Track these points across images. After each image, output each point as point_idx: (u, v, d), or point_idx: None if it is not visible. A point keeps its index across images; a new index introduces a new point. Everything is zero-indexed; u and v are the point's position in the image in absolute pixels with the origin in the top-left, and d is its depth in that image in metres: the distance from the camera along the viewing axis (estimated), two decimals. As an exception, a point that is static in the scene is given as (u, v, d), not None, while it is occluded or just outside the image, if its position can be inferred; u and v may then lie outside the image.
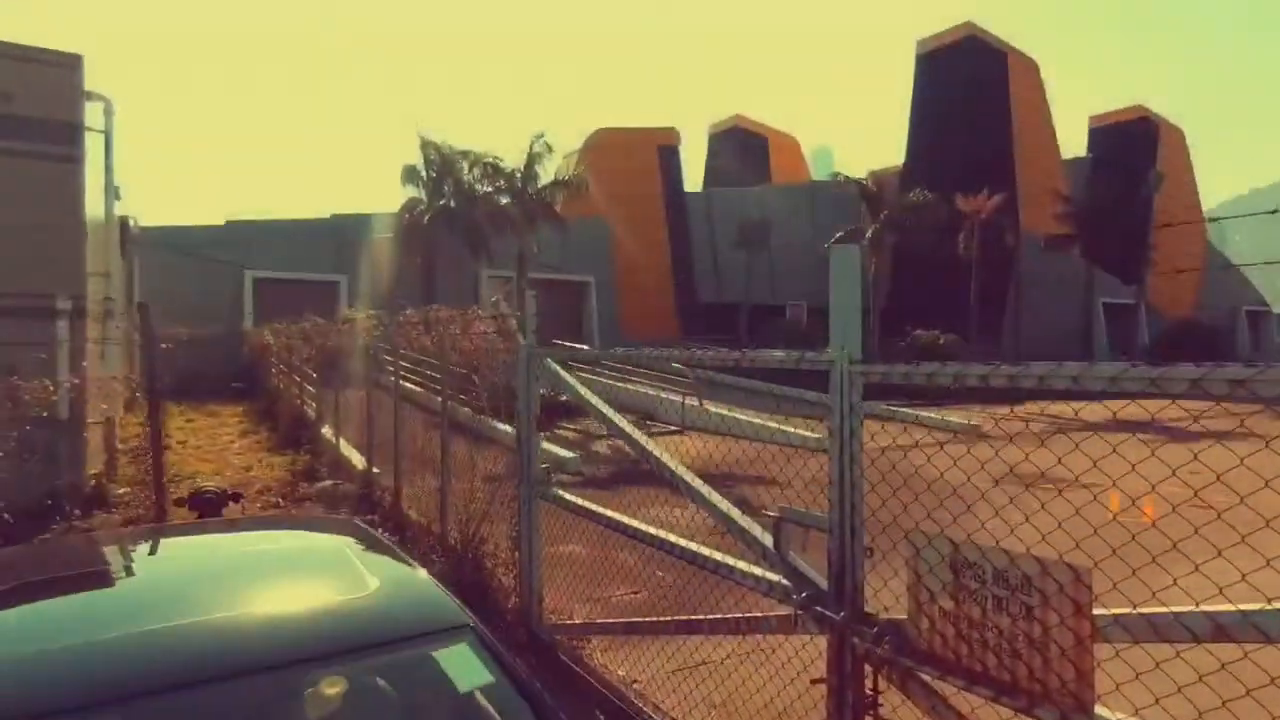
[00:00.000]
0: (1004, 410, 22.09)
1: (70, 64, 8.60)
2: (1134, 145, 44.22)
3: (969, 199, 29.68)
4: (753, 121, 52.16)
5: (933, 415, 17.37)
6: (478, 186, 20.76)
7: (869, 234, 25.10)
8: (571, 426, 16.25)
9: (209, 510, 6.49)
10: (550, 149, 19.33)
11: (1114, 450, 2.33)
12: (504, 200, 19.47)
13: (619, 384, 20.07)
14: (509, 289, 27.66)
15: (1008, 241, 30.82)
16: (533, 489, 4.85)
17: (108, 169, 9.56)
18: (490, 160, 21.65)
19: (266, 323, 24.54)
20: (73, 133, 8.59)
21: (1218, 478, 2.06)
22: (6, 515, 6.74)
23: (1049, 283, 37.06)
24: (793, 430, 14.40)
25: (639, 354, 11.20)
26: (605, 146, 31.45)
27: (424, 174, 24.55)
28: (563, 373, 4.47)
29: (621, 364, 26.16)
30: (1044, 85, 39.77)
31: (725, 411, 16.32)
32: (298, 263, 25.38)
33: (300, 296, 25.69)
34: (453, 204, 21.12)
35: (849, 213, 38.84)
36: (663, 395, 18.12)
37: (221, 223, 26.51)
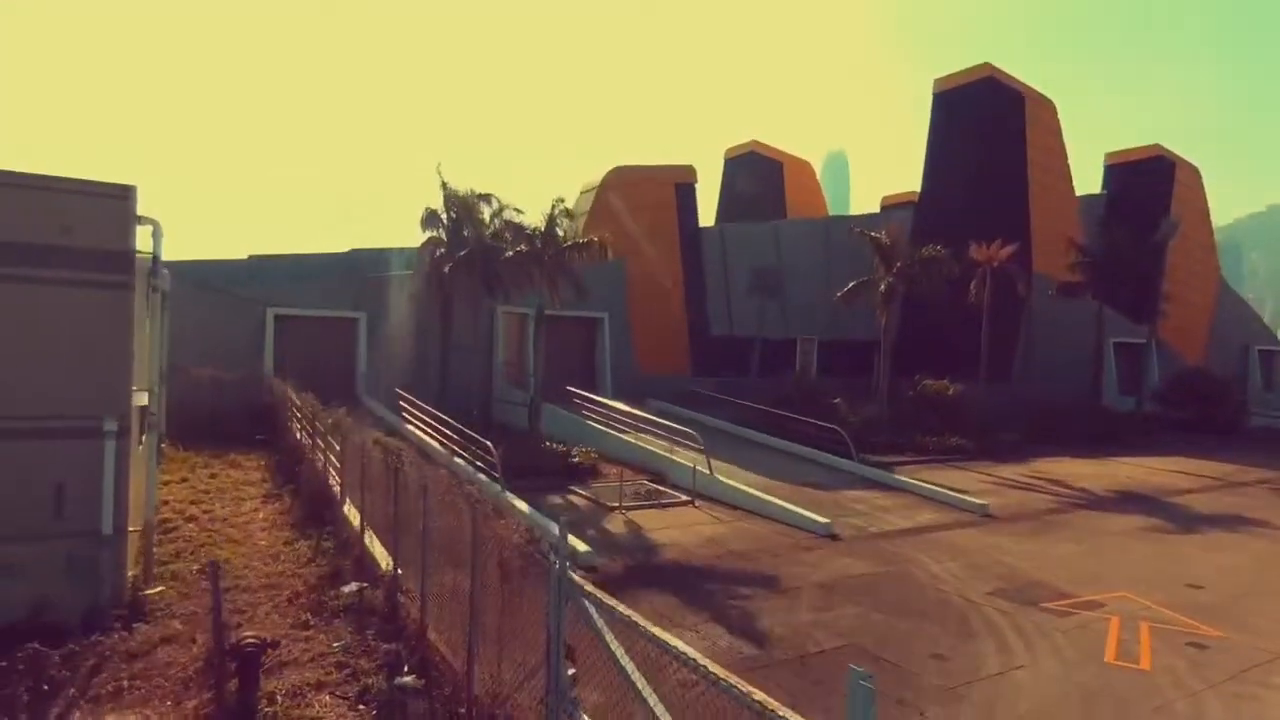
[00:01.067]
0: (1011, 468, 22.50)
1: (124, 195, 9.05)
2: (1149, 184, 44.30)
3: (982, 247, 29.89)
4: (768, 147, 52.44)
5: (943, 489, 17.56)
6: (497, 240, 21.14)
7: (882, 287, 25.35)
8: (584, 492, 16.62)
9: (250, 662, 6.93)
10: (570, 215, 19.65)
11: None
12: (523, 252, 19.80)
13: (632, 440, 20.41)
14: (524, 327, 28.12)
15: (1019, 288, 30.98)
16: (562, 700, 5.18)
17: (155, 288, 9.99)
18: (510, 217, 22.04)
19: (287, 360, 25.19)
20: (125, 261, 9.04)
21: None
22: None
23: (1059, 321, 37.21)
24: (800, 511, 14.73)
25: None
26: (623, 184, 31.84)
27: (444, 217, 24.98)
28: (600, 624, 4.74)
29: (634, 406, 26.63)
30: (1060, 127, 39.89)
31: (735, 484, 16.63)
32: (317, 299, 25.86)
33: (320, 332, 26.30)
34: (472, 252, 21.48)
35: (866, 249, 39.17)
36: (675, 459, 18.42)
37: (245, 257, 27.06)
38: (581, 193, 32.84)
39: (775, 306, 35.49)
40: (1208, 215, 47.38)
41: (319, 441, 15.33)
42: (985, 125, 38.14)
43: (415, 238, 25.60)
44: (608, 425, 21.89)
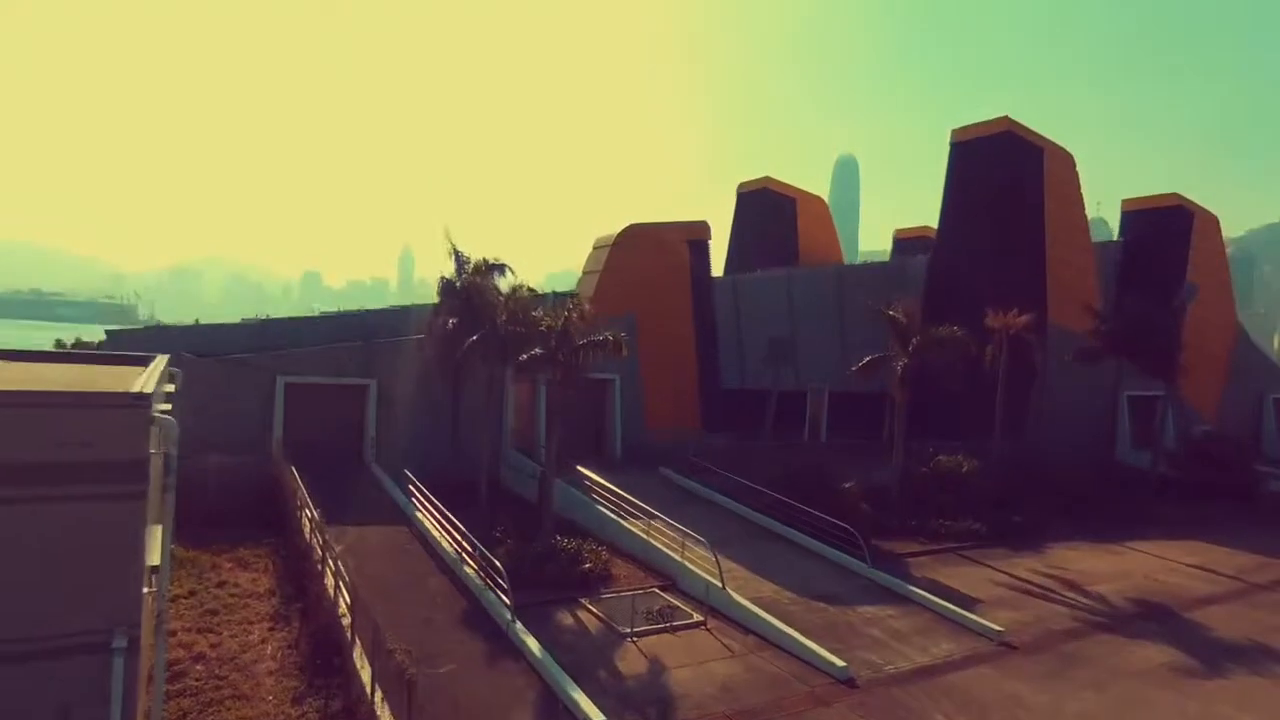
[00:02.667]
0: (1026, 562, 22.17)
1: (138, 404, 8.84)
2: (1167, 233, 43.85)
3: (999, 315, 29.60)
4: (781, 183, 52.15)
5: (959, 610, 17.21)
6: (511, 322, 20.93)
7: (899, 369, 25.06)
8: (595, 610, 16.36)
9: None
10: (585, 314, 19.41)
11: None
12: (538, 355, 19.60)
13: (642, 535, 20.16)
14: (535, 391, 27.92)
15: (1036, 358, 30.70)
16: None
17: (167, 487, 9.79)
18: (523, 298, 21.81)
19: (296, 429, 25.04)
20: (138, 470, 8.83)
21: None
22: None
23: (1073, 377, 36.85)
24: (816, 649, 14.46)
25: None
26: (637, 241, 31.56)
27: (457, 283, 24.81)
28: None
29: (644, 474, 26.39)
30: (1078, 178, 39.50)
31: (748, 604, 16.36)
32: (328, 365, 25.71)
33: (329, 399, 26.14)
34: (486, 337, 21.28)
35: (875, 293, 38.80)
36: (687, 564, 18.18)
37: (257, 320, 26.95)
38: (595, 248, 32.60)
39: (788, 363, 35.34)
40: (1226, 263, 46.95)
41: (329, 561, 15.15)
42: (1003, 177, 37.77)
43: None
44: (618, 513, 21.66)
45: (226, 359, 24.15)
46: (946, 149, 39.57)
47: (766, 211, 52.02)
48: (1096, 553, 24.13)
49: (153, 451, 9.30)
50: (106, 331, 25.17)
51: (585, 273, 32.51)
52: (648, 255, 31.62)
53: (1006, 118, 37.48)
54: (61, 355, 16.97)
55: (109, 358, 17.44)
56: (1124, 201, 46.60)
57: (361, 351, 26.18)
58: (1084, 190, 39.95)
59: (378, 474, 24.24)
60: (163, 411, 9.68)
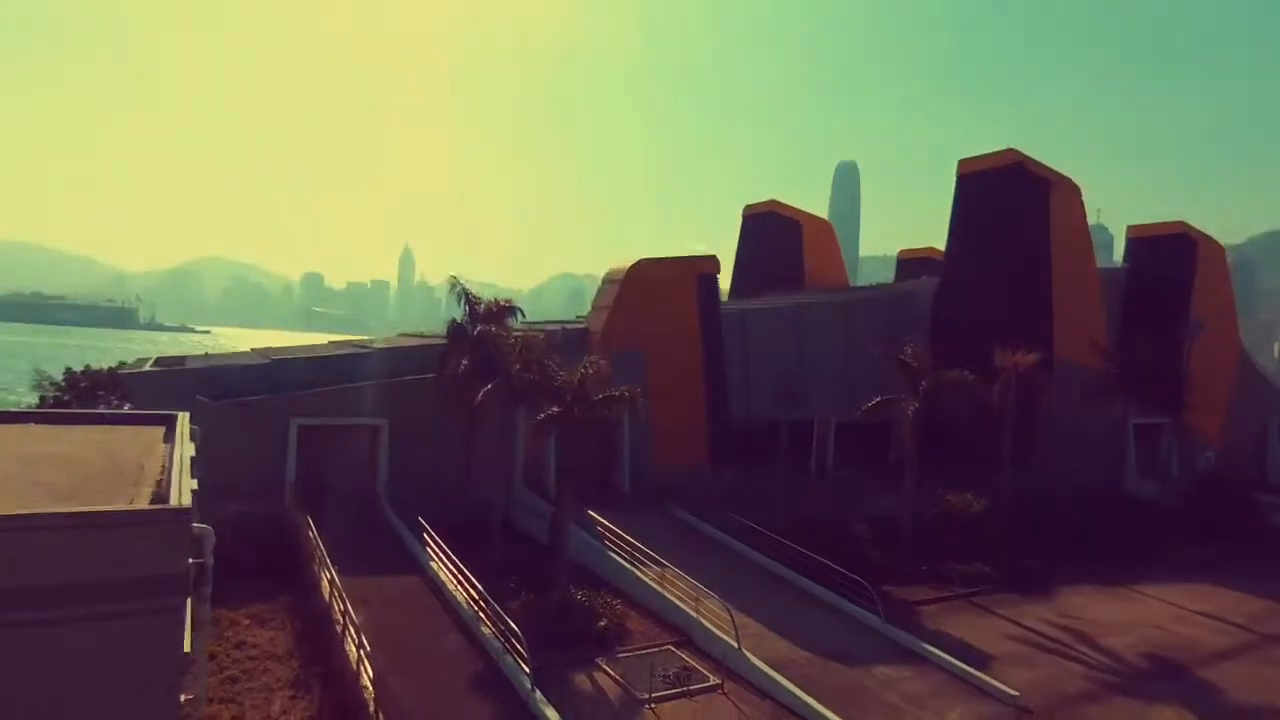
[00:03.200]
0: (1037, 610, 22.26)
1: (179, 519, 8.93)
2: (1172, 261, 43.98)
3: (1007, 354, 29.74)
4: (787, 207, 52.38)
5: (973, 671, 17.28)
6: (524, 370, 21.08)
7: (910, 412, 25.17)
8: (612, 672, 16.44)
9: None
10: (601, 370, 19.50)
11: None
12: (555, 413, 19.72)
13: (656, 586, 20.25)
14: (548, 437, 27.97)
15: (1042, 387, 30.80)
16: None
17: (202, 598, 9.87)
18: (538, 349, 21.91)
19: (308, 471, 25.17)
20: (177, 584, 8.92)
21: None
22: None
23: (1080, 407, 36.93)
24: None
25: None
26: (646, 275, 31.69)
27: (469, 327, 24.93)
28: None
29: (654, 514, 26.47)
30: (1084, 209, 39.67)
31: (763, 666, 16.44)
32: (340, 405, 25.80)
33: (343, 440, 26.25)
34: (498, 386, 21.40)
35: (883, 323, 38.98)
36: (702, 620, 18.27)
37: (268, 360, 27.02)
38: (605, 283, 32.72)
39: (794, 379, 35.62)
40: (1230, 290, 47.01)
41: (350, 629, 15.22)
42: (1010, 209, 37.91)
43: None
44: (631, 561, 21.74)
45: (241, 403, 24.25)
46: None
47: (772, 234, 52.22)
48: (1106, 598, 24.22)
49: (191, 561, 9.41)
50: (124, 374, 25.27)
51: (595, 307, 32.64)
52: (657, 291, 31.74)
53: (1013, 150, 37.66)
54: (84, 417, 17.07)
55: (132, 418, 17.60)
56: (1129, 228, 46.80)
57: (373, 391, 26.27)
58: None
59: (390, 517, 24.32)
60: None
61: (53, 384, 37.98)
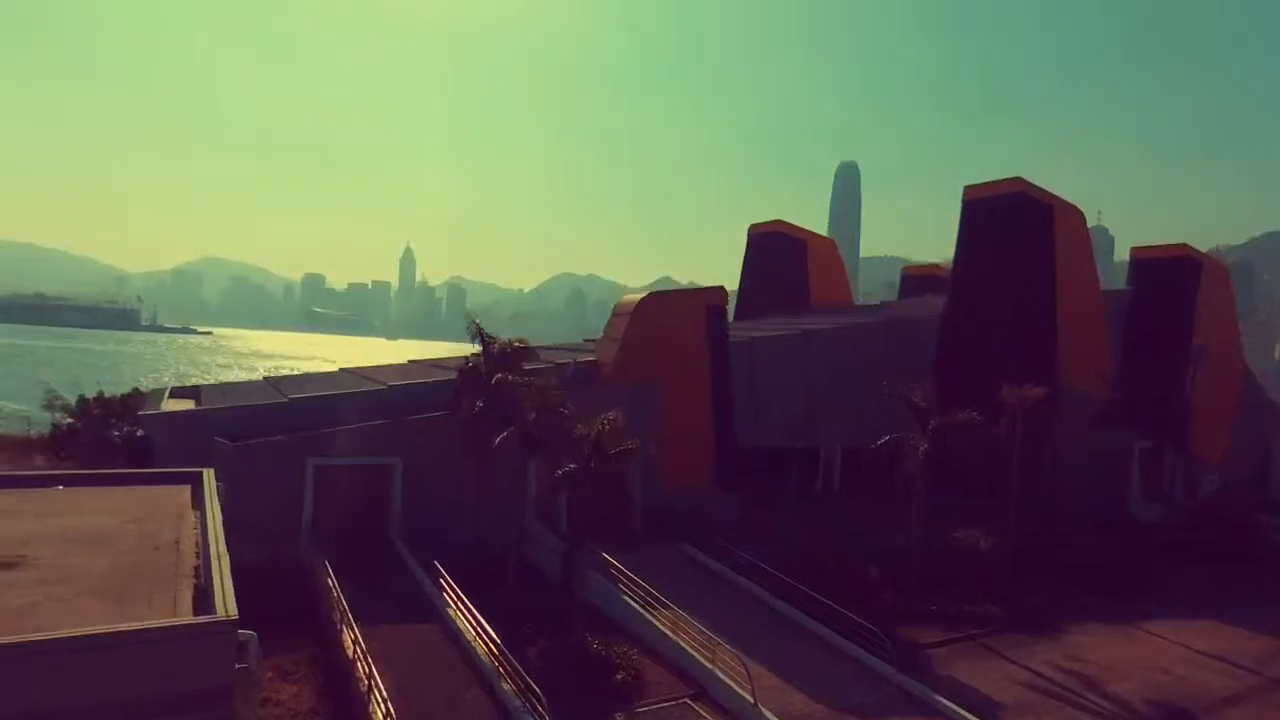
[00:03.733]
0: (1045, 652, 22.55)
1: (228, 633, 9.20)
2: (1175, 283, 44.23)
3: (1014, 390, 29.99)
4: (792, 226, 52.68)
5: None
6: (542, 425, 21.38)
7: (921, 452, 25.47)
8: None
9: None
10: (617, 426, 19.75)
11: None
12: (573, 470, 20.00)
13: (670, 634, 20.53)
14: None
15: (1048, 417, 31.12)
16: None
17: (250, 683, 10.14)
18: (553, 397, 22.21)
19: (323, 511, 25.48)
20: (224, 694, 9.20)
21: None
22: None
23: (1084, 432, 37.24)
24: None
25: None
26: (656, 310, 32.03)
27: (482, 371, 25.25)
28: None
29: (665, 549, 26.77)
30: (1089, 235, 39.98)
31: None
32: (356, 445, 26.08)
33: (357, 479, 26.54)
34: (513, 434, 21.70)
35: (889, 349, 39.29)
36: (717, 673, 18.56)
37: (285, 400, 27.32)
38: (615, 315, 33.02)
39: (799, 405, 36.11)
40: (1234, 312, 47.29)
41: (376, 695, 15.51)
42: (1015, 236, 38.18)
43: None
44: (644, 605, 22.02)
45: (259, 445, 24.54)
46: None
47: (777, 253, 52.56)
48: (1112, 637, 24.50)
49: (238, 666, 9.69)
50: (144, 416, 25.60)
51: (605, 338, 32.96)
52: (667, 324, 32.07)
53: (1019, 178, 37.94)
54: (111, 478, 17.37)
55: (158, 476, 17.89)
56: (1133, 249, 47.07)
57: (386, 430, 26.55)
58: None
59: (406, 557, 24.57)
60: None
61: (64, 409, 38.27)
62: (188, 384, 45.42)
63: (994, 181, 38.85)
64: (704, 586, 24.69)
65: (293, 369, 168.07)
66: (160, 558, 12.38)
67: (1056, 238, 37.78)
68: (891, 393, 26.91)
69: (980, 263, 38.90)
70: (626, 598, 22.65)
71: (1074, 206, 39.16)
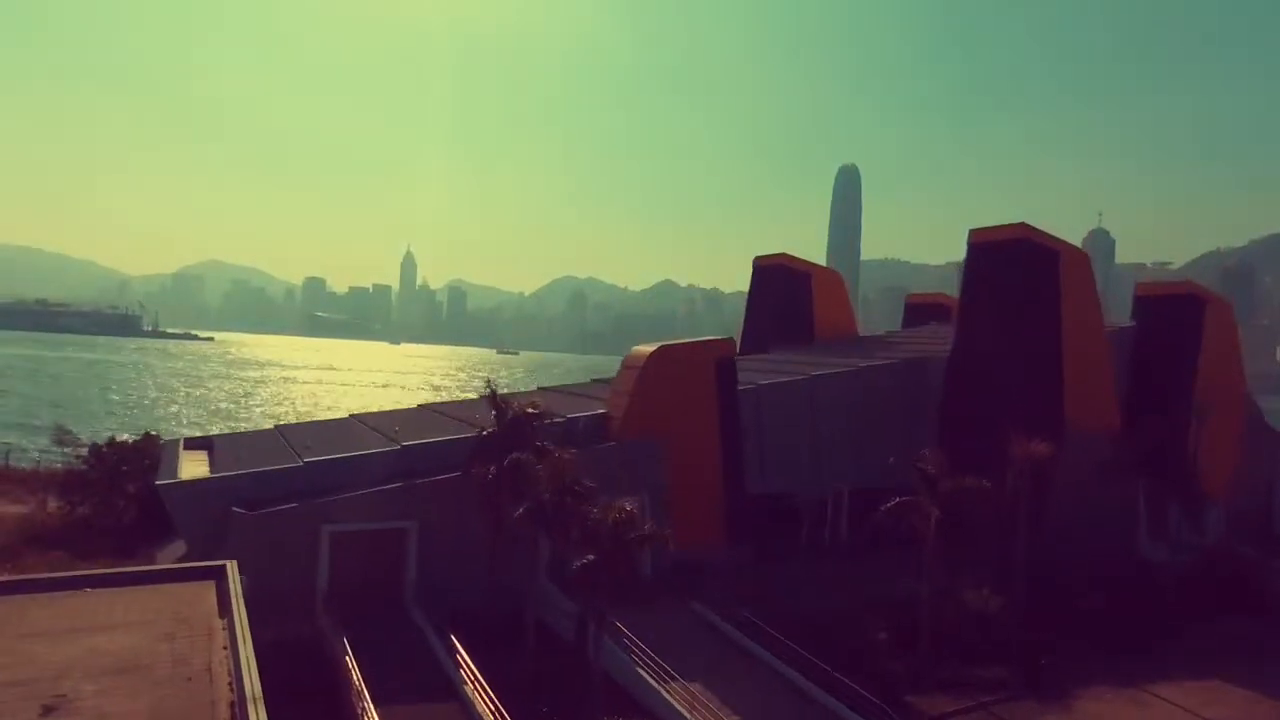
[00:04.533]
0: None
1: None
2: (1180, 321, 44.49)
3: (1021, 444, 30.28)
4: (797, 259, 52.95)
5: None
6: (559, 507, 21.67)
7: (932, 520, 25.75)
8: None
9: None
10: (634, 519, 20.01)
11: None
12: (591, 560, 20.26)
13: (689, 715, 20.76)
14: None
15: (1055, 468, 31.38)
16: None
17: None
18: (569, 472, 22.48)
19: (338, 576, 25.75)
20: None
21: None
22: None
23: (1090, 474, 37.43)
24: None
25: None
26: (665, 365, 32.29)
27: (496, 438, 25.53)
28: None
29: (676, 608, 27.00)
30: (1093, 278, 40.16)
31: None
32: (371, 509, 26.35)
33: (372, 544, 26.80)
34: (529, 513, 21.99)
35: (895, 392, 39.57)
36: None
37: (301, 464, 27.57)
38: (625, 367, 33.30)
39: (810, 468, 36.26)
40: (1239, 348, 47.42)
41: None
42: (1020, 279, 38.43)
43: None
44: (659, 679, 22.27)
45: (275, 514, 24.82)
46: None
47: (782, 286, 52.82)
48: (1122, 701, 24.78)
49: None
50: (161, 485, 25.88)
51: (614, 391, 33.21)
52: (676, 378, 32.36)
53: (1024, 224, 38.20)
54: (138, 576, 17.62)
55: (182, 572, 18.16)
56: (1138, 285, 47.44)
57: (401, 493, 26.83)
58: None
59: (422, 626, 24.80)
60: None
61: (78, 455, 38.69)
62: (198, 394, 45.65)
63: (999, 226, 39.11)
64: (716, 655, 24.92)
65: (304, 386, 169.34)
66: (194, 691, 12.63)
67: (1062, 283, 38.01)
68: (899, 461, 27.19)
69: (986, 307, 39.12)
70: (641, 670, 22.88)
71: (1079, 251, 39.48)
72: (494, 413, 26.26)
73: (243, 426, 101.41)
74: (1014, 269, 38.36)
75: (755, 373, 39.91)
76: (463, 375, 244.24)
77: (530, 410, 26.24)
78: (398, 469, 28.29)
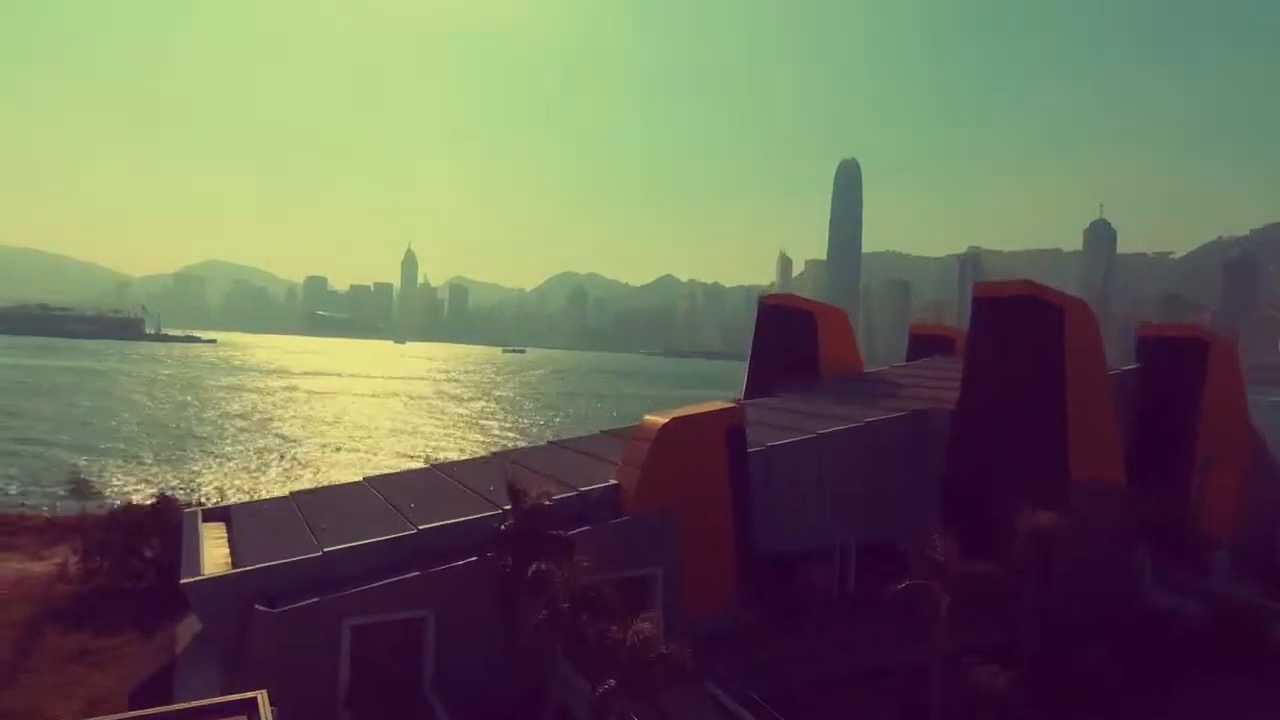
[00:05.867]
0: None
1: None
2: (1183, 363, 44.86)
3: (1028, 517, 30.67)
4: (802, 299, 53.37)
5: None
6: (577, 618, 22.11)
7: (942, 607, 26.18)
8: None
9: None
10: (650, 639, 20.43)
11: None
12: (607, 648, 20.73)
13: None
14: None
15: (1059, 541, 31.77)
16: None
17: None
18: (586, 582, 22.89)
19: (355, 674, 26.21)
20: None
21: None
22: None
23: (1095, 527, 37.83)
24: None
25: None
26: (676, 437, 32.66)
27: (513, 526, 26.02)
28: None
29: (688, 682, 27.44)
30: (1098, 332, 40.43)
31: None
32: (387, 600, 26.77)
33: (390, 634, 27.26)
34: (551, 615, 22.45)
35: (904, 449, 39.97)
36: None
37: (319, 554, 27.98)
38: (635, 439, 33.68)
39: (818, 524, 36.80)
40: (1243, 388, 47.65)
41: None
42: (1025, 334, 38.74)
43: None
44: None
45: (298, 610, 25.27)
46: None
47: (787, 324, 53.21)
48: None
49: None
50: (184, 584, 26.30)
51: (625, 463, 33.59)
52: (687, 448, 32.75)
53: (1029, 281, 38.54)
54: (169, 716, 18.13)
55: (216, 709, 18.67)
56: (1139, 326, 47.70)
57: (419, 583, 27.26)
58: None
59: (439, 715, 25.33)
60: None
61: (100, 507, 39.29)
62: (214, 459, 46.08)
63: (1004, 282, 39.54)
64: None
65: (310, 388, 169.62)
66: None
67: (1067, 339, 38.30)
68: (908, 549, 27.64)
69: (991, 362, 39.48)
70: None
71: (1084, 305, 39.76)
72: (509, 506, 26.73)
73: (259, 445, 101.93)
74: (1019, 325, 38.69)
75: (763, 425, 40.34)
76: (476, 377, 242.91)
77: (549, 502, 26.70)
78: (414, 552, 28.73)
